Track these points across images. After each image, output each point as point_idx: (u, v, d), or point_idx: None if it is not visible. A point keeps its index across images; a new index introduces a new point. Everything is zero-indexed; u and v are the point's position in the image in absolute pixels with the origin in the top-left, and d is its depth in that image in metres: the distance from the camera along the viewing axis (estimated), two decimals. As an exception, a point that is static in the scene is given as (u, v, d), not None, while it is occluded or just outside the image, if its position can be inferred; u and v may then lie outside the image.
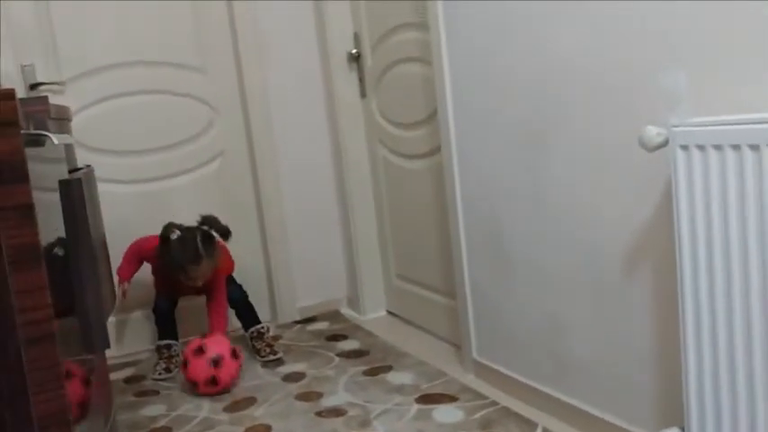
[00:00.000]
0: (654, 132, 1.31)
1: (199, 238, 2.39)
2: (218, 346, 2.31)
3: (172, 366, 2.53)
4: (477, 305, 2.22)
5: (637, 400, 1.64)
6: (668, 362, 1.52)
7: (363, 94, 2.88)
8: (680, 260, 1.31)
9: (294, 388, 2.31)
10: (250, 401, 2.24)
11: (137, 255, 2.55)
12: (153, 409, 2.25)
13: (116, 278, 2.46)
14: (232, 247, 2.62)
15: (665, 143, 1.30)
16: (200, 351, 2.29)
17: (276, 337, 2.82)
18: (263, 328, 2.66)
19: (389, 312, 2.99)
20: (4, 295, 0.82)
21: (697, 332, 1.31)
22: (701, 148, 1.22)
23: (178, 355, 2.57)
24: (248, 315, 2.67)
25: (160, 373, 2.50)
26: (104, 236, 1.80)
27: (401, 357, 2.49)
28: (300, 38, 2.95)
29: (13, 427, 0.84)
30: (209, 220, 2.46)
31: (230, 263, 2.68)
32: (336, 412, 2.10)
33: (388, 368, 2.40)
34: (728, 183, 1.19)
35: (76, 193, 1.20)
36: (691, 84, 1.36)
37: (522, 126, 1.86)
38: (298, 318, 3.05)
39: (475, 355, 2.25)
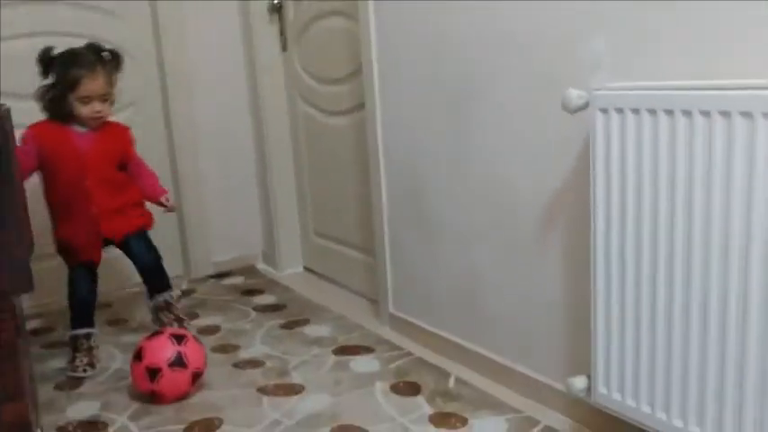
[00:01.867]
0: (575, 95, 1.37)
1: (86, 48, 2.09)
2: (158, 352, 1.87)
3: (94, 360, 2.15)
4: (395, 261, 2.27)
5: (547, 351, 1.74)
6: (577, 315, 1.62)
7: (284, 48, 2.83)
8: (594, 221, 1.39)
9: (210, 341, 2.30)
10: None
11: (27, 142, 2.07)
12: (62, 362, 2.19)
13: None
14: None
15: (585, 106, 1.37)
16: (137, 357, 1.89)
17: (185, 308, 2.50)
18: (171, 297, 2.31)
19: (306, 269, 3.01)
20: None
21: (606, 286, 1.40)
22: (620, 111, 1.29)
23: (98, 345, 2.22)
24: (157, 281, 2.30)
25: (84, 370, 2.10)
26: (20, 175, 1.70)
27: (318, 311, 2.52)
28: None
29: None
30: (94, 44, 2.13)
31: (148, 192, 2.29)
32: (254, 363, 2.12)
33: (305, 321, 2.43)
34: (643, 145, 1.27)
35: (6, 124, 1.15)
36: (611, 50, 1.42)
37: (445, 86, 1.90)
38: (211, 272, 3.02)
39: (391, 308, 2.31)
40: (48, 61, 2.05)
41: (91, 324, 2.22)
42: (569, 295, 1.65)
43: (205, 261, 3.00)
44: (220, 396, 1.93)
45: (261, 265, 3.11)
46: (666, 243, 1.26)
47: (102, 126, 2.13)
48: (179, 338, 1.90)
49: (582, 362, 1.57)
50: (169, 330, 1.98)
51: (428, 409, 1.79)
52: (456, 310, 2.03)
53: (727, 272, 1.18)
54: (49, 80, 2.06)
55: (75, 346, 2.16)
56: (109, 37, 2.70)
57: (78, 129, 2.11)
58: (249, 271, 3.05)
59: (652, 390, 1.34)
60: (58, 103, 2.06)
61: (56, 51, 2.05)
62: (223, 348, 2.25)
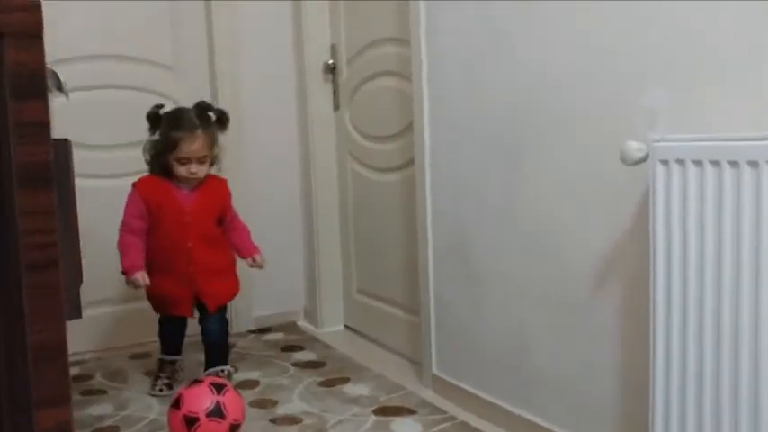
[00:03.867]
0: (635, 147, 1.34)
1: (192, 110, 2.16)
2: (197, 400, 1.82)
3: (174, 383, 2.27)
4: (439, 320, 2.21)
5: (599, 417, 1.65)
6: (633, 378, 1.54)
7: (337, 107, 2.88)
8: (653, 277, 1.33)
9: (248, 395, 2.25)
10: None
11: (130, 225, 2.16)
12: (98, 409, 2.17)
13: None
14: None
15: (645, 158, 1.33)
16: (176, 405, 1.84)
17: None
18: (226, 372, 2.30)
19: (348, 327, 2.96)
20: (8, 215, 0.77)
21: (666, 350, 1.32)
22: (681, 162, 1.25)
23: (183, 369, 2.37)
24: (221, 357, 2.32)
25: (161, 389, 2.25)
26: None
27: (359, 370, 2.46)
28: (276, 43, 2.94)
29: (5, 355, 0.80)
30: (202, 103, 2.20)
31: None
32: (291, 420, 2.06)
33: (345, 380, 2.37)
34: (706, 198, 1.22)
35: (68, 153, 1.17)
36: (670, 101, 1.40)
37: (497, 141, 1.89)
38: (252, 327, 3.00)
39: (435, 370, 2.24)
40: (155, 118, 2.15)
41: (178, 352, 2.36)
42: (624, 357, 1.57)
43: (246, 315, 2.98)
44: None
45: (302, 322, 3.08)
46: (731, 300, 1.19)
47: (202, 182, 2.19)
48: (219, 388, 1.86)
49: (637, 429, 1.48)
50: (209, 379, 1.94)
51: (471, 475, 1.71)
52: (503, 372, 1.95)
53: (798, 333, 1.11)
54: (156, 137, 2.15)
55: (159, 366, 2.33)
56: (169, 92, 2.79)
57: (181, 185, 2.17)
58: (290, 327, 3.02)
59: (716, 460, 1.25)
60: (159, 159, 2.15)
61: (164, 110, 2.15)
62: (260, 403, 2.20)
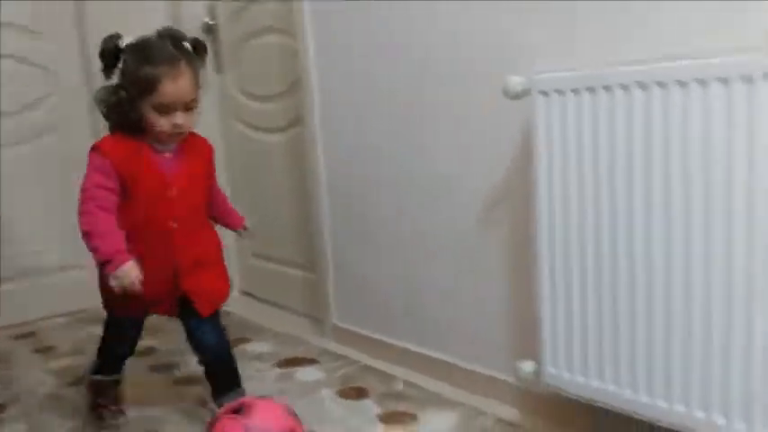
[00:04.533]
0: (516, 81, 1.43)
1: (163, 37, 1.56)
2: (269, 415, 1.41)
3: (123, 408, 1.85)
4: (338, 274, 2.26)
5: (492, 345, 1.75)
6: (520, 305, 1.64)
7: (219, 69, 2.83)
8: (537, 206, 1.43)
9: (148, 360, 2.22)
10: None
11: (98, 198, 1.52)
12: (-14, 388, 2.06)
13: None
14: (66, 228, 2.41)
15: (527, 91, 1.42)
16: (239, 411, 1.41)
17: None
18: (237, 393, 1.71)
19: (245, 292, 2.95)
20: None
21: (551, 266, 1.43)
22: (560, 92, 1.34)
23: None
24: (230, 375, 1.74)
25: (115, 417, 1.82)
26: None
27: (259, 331, 2.47)
28: (150, 4, 2.84)
29: None
30: (172, 31, 1.59)
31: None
32: (194, 381, 2.04)
33: (246, 340, 2.37)
34: (584, 124, 1.32)
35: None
36: (548, 39, 1.49)
37: (388, 95, 1.93)
38: (144, 299, 2.92)
39: (335, 320, 2.28)
40: (113, 53, 1.55)
41: (121, 368, 1.86)
42: (511, 286, 1.67)
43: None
44: (161, 410, 1.86)
45: (196, 291, 3.03)
46: (610, 219, 1.31)
47: (183, 140, 1.63)
48: None
49: (527, 350, 1.59)
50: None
51: (377, 410, 1.77)
52: (402, 316, 2.02)
53: (669, 244, 1.22)
54: (115, 79, 1.56)
55: (96, 389, 1.83)
56: (34, 57, 2.65)
57: (158, 147, 1.59)
58: (184, 296, 2.96)
59: (600, 365, 1.37)
60: (125, 111, 1.55)
61: (125, 41, 1.55)
62: (160, 368, 2.17)
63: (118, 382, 1.85)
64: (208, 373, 1.73)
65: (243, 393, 1.71)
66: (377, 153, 2.00)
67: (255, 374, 2.07)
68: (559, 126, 1.36)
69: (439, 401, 1.79)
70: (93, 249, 1.48)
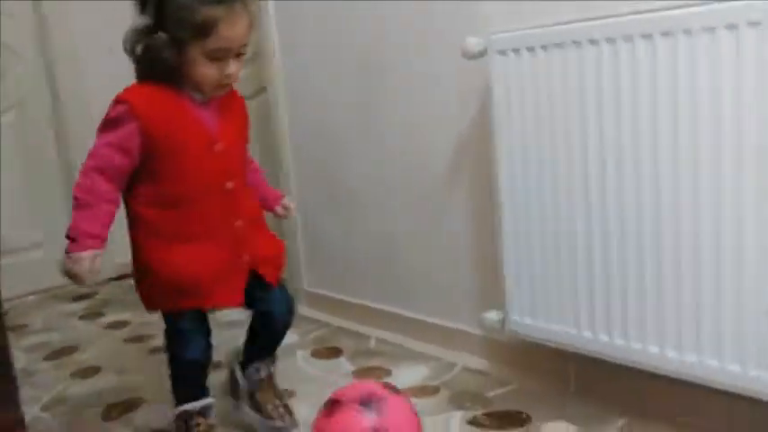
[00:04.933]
0: (474, 41, 1.47)
1: None
2: (402, 420, 1.26)
3: None
4: (307, 239, 2.30)
5: (458, 299, 1.82)
6: (484, 257, 1.70)
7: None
8: (497, 162, 1.49)
9: (123, 333, 2.25)
10: (72, 349, 2.16)
11: (103, 161, 1.30)
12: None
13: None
14: (35, 207, 2.38)
15: (484, 51, 1.47)
16: (367, 405, 1.24)
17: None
18: (274, 366, 1.63)
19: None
20: None
21: (513, 213, 1.49)
22: (516, 51, 1.40)
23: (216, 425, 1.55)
24: (276, 343, 1.61)
25: None
26: None
27: (230, 299, 2.50)
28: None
29: None
30: None
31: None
32: (170, 349, 2.09)
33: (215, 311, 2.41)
34: (540, 80, 1.38)
35: None
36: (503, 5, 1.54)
37: (354, 59, 1.96)
38: (113, 275, 2.93)
39: (306, 286, 2.33)
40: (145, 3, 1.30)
41: (205, 392, 1.53)
42: (476, 240, 1.73)
43: (109, 262, 2.91)
44: (139, 379, 1.90)
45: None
46: (566, 168, 1.37)
47: (223, 96, 1.40)
48: (368, 405, 1.24)
49: (492, 302, 1.65)
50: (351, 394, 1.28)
51: (351, 367, 1.84)
52: (373, 278, 2.08)
53: (622, 191, 1.29)
54: (149, 19, 1.29)
55: (188, 427, 1.49)
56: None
57: (198, 98, 1.36)
58: (154, 271, 2.99)
59: (561, 309, 1.44)
60: (165, 55, 1.28)
61: None
62: (136, 339, 2.20)
63: (210, 409, 1.53)
64: (253, 338, 1.60)
65: (276, 360, 1.63)
66: (342, 116, 2.04)
67: (231, 340, 2.10)
68: (516, 83, 1.42)
69: (411, 356, 1.86)
70: (71, 218, 1.29)
